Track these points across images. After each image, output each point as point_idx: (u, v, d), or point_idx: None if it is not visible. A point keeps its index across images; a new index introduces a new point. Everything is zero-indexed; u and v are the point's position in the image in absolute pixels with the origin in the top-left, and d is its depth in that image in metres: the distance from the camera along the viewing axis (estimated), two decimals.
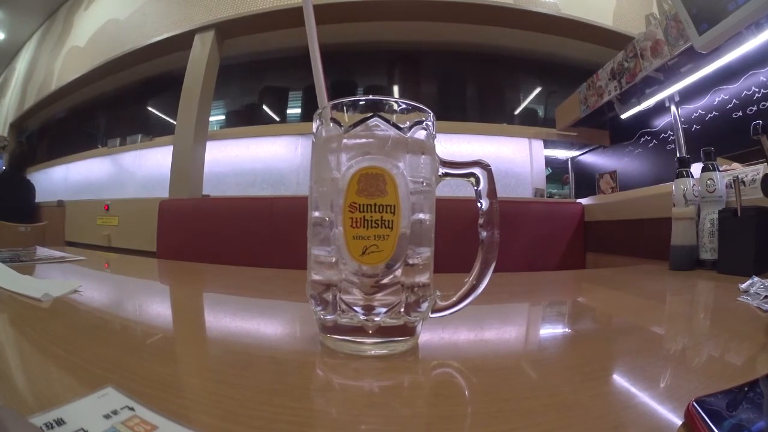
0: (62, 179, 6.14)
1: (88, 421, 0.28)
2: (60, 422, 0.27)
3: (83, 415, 0.28)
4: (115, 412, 0.29)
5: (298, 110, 4.95)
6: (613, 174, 3.67)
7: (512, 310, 0.85)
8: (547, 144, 4.32)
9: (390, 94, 4.63)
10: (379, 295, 0.46)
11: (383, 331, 0.46)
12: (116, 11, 5.34)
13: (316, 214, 0.48)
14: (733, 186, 1.25)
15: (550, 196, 4.40)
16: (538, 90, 4.83)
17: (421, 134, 0.48)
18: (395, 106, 0.47)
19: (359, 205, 0.44)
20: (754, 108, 2.34)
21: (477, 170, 0.50)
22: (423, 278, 0.48)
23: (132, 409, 0.30)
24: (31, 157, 5.80)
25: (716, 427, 0.28)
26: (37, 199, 5.37)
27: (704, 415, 0.29)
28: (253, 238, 2.12)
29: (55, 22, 7.02)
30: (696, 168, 1.40)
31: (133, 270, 1.42)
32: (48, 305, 0.67)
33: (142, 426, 0.28)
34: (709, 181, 1.31)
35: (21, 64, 7.77)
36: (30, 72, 7.25)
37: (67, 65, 6.06)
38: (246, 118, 5.02)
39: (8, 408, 0.27)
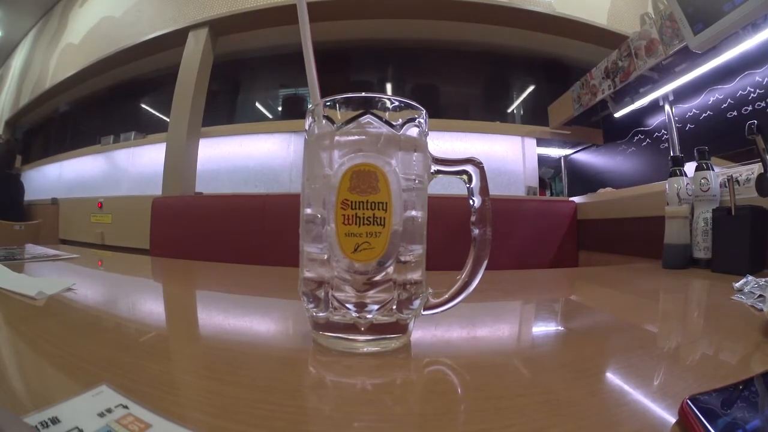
0: (56, 177, 6.12)
1: (82, 419, 0.28)
2: (55, 421, 0.27)
3: (78, 414, 0.28)
4: (109, 411, 0.29)
5: (291, 107, 4.94)
6: None
7: (505, 307, 0.85)
8: (540, 142, 4.32)
9: (383, 91, 4.63)
10: (371, 293, 0.46)
11: (375, 329, 0.46)
12: (111, 9, 5.33)
13: (309, 211, 0.48)
14: (727, 185, 1.25)
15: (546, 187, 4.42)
16: (531, 88, 4.83)
17: (413, 131, 0.48)
18: (388, 104, 0.47)
19: (351, 202, 0.44)
20: (749, 108, 2.35)
21: (469, 167, 0.50)
22: (415, 275, 0.48)
23: (126, 407, 0.30)
24: (16, 155, 5.76)
25: (710, 425, 0.28)
26: (32, 197, 5.36)
27: (698, 413, 0.29)
28: (246, 236, 2.11)
29: (50, 20, 6.99)
30: (690, 167, 1.40)
31: (127, 268, 1.42)
32: (42, 303, 0.67)
33: (137, 424, 0.28)
34: (703, 180, 1.31)
35: (17, 61, 7.74)
36: (25, 69, 7.22)
37: (62, 62, 6.04)
38: (239, 116, 5.01)
39: (3, 408, 0.27)
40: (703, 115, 2.71)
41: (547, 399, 0.36)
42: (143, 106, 5.66)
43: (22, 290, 0.71)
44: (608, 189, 2.63)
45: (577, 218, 2.25)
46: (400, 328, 0.48)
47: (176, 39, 4.27)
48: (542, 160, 4.36)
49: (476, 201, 0.50)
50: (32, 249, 1.48)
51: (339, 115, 0.47)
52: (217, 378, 0.40)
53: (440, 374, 0.44)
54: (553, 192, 4.52)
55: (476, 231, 0.51)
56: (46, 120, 7.04)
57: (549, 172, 4.55)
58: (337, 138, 0.46)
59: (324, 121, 0.47)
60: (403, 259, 0.47)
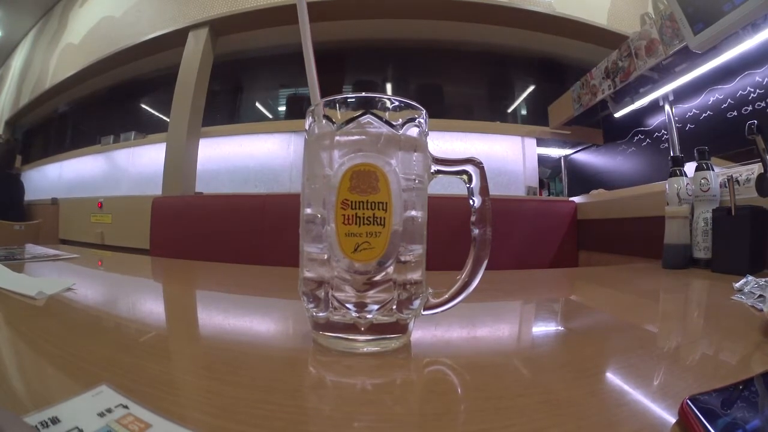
0: (56, 177, 6.12)
1: (82, 419, 0.28)
2: (55, 421, 0.27)
3: (78, 414, 0.28)
4: (109, 410, 0.29)
5: (292, 107, 4.94)
6: None
7: (505, 307, 0.85)
8: (540, 142, 4.31)
9: (383, 91, 4.63)
10: (371, 293, 0.46)
11: (375, 329, 0.46)
12: (111, 8, 5.33)
13: (309, 211, 0.48)
14: (727, 185, 1.25)
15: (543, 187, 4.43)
16: (531, 88, 4.83)
17: (413, 131, 0.48)
18: (388, 104, 0.47)
19: (351, 202, 0.44)
20: (749, 108, 2.35)
21: (469, 167, 0.50)
22: (415, 275, 0.48)
23: (126, 407, 0.30)
24: (16, 155, 5.76)
25: (710, 425, 0.28)
26: (32, 197, 5.36)
27: (698, 413, 0.29)
28: (246, 236, 2.11)
29: (50, 20, 6.99)
30: (690, 167, 1.40)
31: (127, 268, 1.42)
32: (42, 303, 0.67)
33: (136, 424, 0.28)
34: (703, 180, 1.31)
35: (17, 61, 7.74)
36: (25, 69, 7.22)
37: (62, 62, 6.04)
38: (239, 116, 5.01)
39: (3, 408, 0.27)
40: (703, 115, 2.71)
41: (547, 399, 0.36)
42: (143, 106, 5.66)
43: (22, 290, 0.71)
44: (600, 190, 2.62)
45: (577, 218, 2.26)
46: (400, 328, 0.48)
47: (176, 39, 4.26)
48: (541, 160, 4.35)
49: (476, 201, 0.50)
50: (32, 249, 1.48)
51: (339, 115, 0.47)
52: (217, 378, 0.40)
53: (440, 374, 0.44)
54: (550, 192, 4.52)
55: (476, 231, 0.51)
56: (46, 120, 7.03)
57: (546, 172, 4.54)
58: (337, 138, 0.46)
59: (324, 121, 0.47)
60: (403, 259, 0.47)
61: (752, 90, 2.33)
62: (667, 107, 2.88)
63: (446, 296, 0.51)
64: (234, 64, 4.84)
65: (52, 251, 1.42)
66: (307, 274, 0.49)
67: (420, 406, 0.37)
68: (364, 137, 0.46)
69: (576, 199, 2.39)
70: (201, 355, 0.49)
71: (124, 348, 0.48)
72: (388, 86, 4.91)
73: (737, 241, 1.16)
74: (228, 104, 5.12)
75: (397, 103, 0.47)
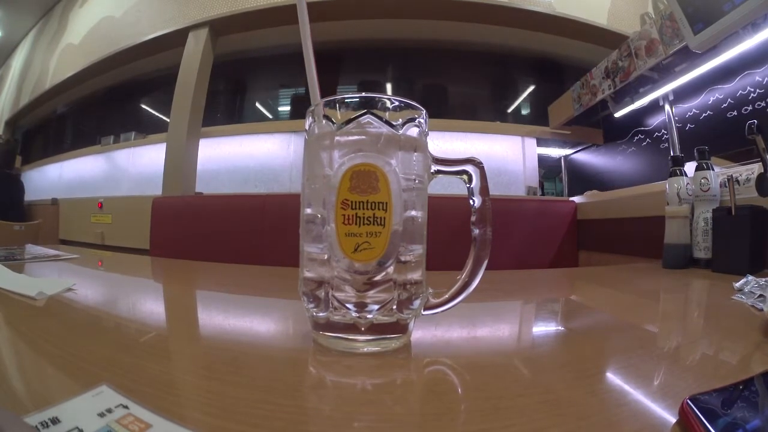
0: (56, 177, 6.12)
1: (82, 419, 0.28)
2: (55, 421, 0.27)
3: (78, 414, 0.28)
4: (109, 411, 0.29)
5: (292, 107, 4.94)
6: None
7: (505, 307, 0.85)
8: (540, 142, 4.32)
9: (383, 91, 4.63)
10: (371, 293, 0.46)
11: (376, 329, 0.46)
12: (111, 9, 5.33)
13: (309, 211, 0.48)
14: (727, 185, 1.25)
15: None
16: (531, 88, 4.83)
17: (413, 131, 0.48)
18: (388, 104, 0.47)
19: (351, 202, 0.44)
20: (750, 108, 2.35)
21: (469, 167, 0.50)
22: (415, 275, 0.48)
23: (126, 407, 0.30)
24: (16, 155, 5.76)
25: (711, 425, 0.28)
26: (32, 197, 5.36)
27: (699, 413, 0.29)
28: (246, 236, 2.11)
29: (50, 20, 6.99)
30: (690, 167, 1.40)
31: (127, 268, 1.42)
32: (42, 303, 0.67)
33: (137, 424, 0.28)
34: (703, 180, 1.31)
35: (17, 61, 7.74)
36: (25, 69, 7.22)
37: (62, 63, 6.04)
38: (239, 116, 5.01)
39: (3, 408, 0.27)
40: (703, 115, 2.71)
41: (547, 399, 0.36)
42: (143, 106, 5.66)
43: (22, 290, 0.71)
44: (594, 191, 2.62)
45: (577, 218, 2.25)
46: (400, 328, 0.48)
47: (176, 39, 4.27)
48: (541, 160, 4.35)
49: (476, 201, 0.50)
50: (32, 249, 1.48)
51: (339, 115, 0.47)
52: (217, 378, 0.40)
53: (440, 374, 0.44)
54: (544, 192, 4.51)
55: (476, 231, 0.50)
56: (46, 120, 7.03)
57: (540, 172, 4.54)
58: (337, 138, 0.46)
59: (324, 121, 0.47)
60: (403, 259, 0.47)
61: (752, 90, 2.33)
62: (667, 107, 2.88)
63: (446, 296, 0.51)
64: (234, 64, 4.84)
65: (52, 251, 1.42)
66: (307, 274, 0.49)
67: (420, 406, 0.37)
68: (364, 137, 0.46)
69: (576, 199, 2.39)
70: (201, 355, 0.49)
71: (124, 348, 0.48)
72: (388, 86, 4.91)
73: (737, 241, 1.16)
74: (228, 104, 5.13)
75: (397, 103, 0.47)
